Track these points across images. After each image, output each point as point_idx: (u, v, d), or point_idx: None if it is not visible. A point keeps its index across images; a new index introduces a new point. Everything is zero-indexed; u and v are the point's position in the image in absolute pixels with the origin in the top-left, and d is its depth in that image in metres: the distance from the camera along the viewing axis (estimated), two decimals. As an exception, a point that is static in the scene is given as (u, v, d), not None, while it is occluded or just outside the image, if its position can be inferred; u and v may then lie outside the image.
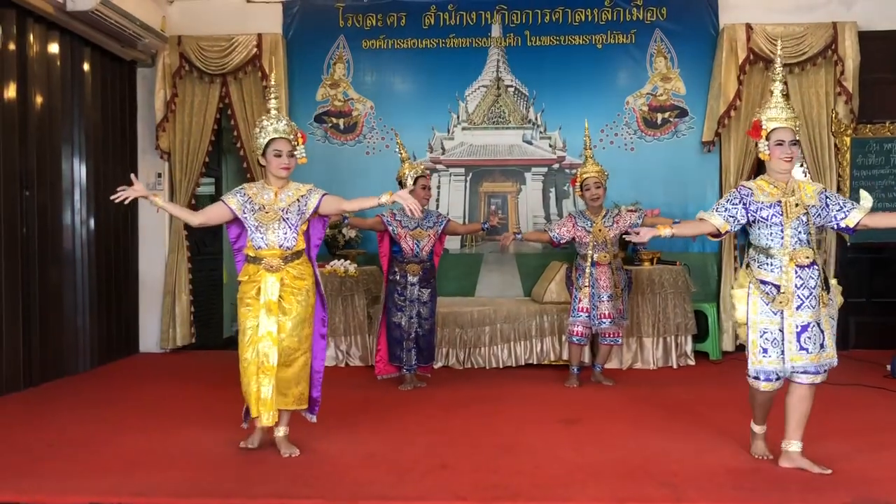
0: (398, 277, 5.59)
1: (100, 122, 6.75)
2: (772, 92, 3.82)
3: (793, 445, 3.70)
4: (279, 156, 3.96)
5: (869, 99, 7.00)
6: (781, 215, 3.62)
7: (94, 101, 6.66)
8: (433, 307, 5.71)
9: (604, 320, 5.65)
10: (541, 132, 7.41)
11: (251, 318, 3.94)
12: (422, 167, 5.70)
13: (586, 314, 5.65)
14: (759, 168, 7.04)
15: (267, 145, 3.97)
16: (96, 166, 6.66)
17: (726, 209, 3.72)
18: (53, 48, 6.13)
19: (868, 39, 6.92)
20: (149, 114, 7.32)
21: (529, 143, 7.42)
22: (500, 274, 7.38)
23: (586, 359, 6.05)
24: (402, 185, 5.47)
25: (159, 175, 7.40)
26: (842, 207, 3.68)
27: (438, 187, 7.41)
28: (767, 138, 3.69)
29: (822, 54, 6.87)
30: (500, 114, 7.43)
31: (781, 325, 3.60)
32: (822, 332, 3.63)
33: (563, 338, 6.29)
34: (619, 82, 7.36)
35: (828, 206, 3.68)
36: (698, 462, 3.82)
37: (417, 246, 5.58)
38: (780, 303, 3.58)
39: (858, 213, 3.65)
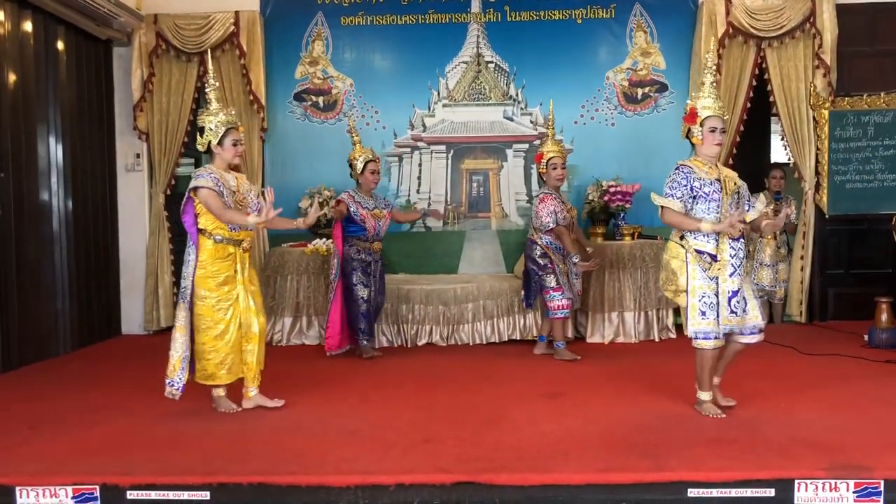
0: (364, 256, 5.85)
1: (76, 102, 6.66)
2: (703, 83, 4.22)
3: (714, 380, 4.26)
4: (236, 144, 4.32)
5: (847, 72, 7.04)
6: (721, 191, 4.03)
7: (69, 81, 6.56)
8: (385, 282, 6.19)
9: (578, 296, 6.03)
10: (521, 108, 7.40)
11: (229, 294, 4.29)
12: (371, 152, 5.92)
13: (563, 291, 5.78)
14: (739, 143, 7.09)
15: (224, 135, 4.28)
16: (73, 147, 6.58)
17: (679, 191, 4.05)
18: (27, 26, 6.02)
19: (846, 13, 6.94)
20: (126, 94, 7.23)
21: (510, 119, 7.41)
22: (482, 251, 7.40)
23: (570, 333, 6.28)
24: (352, 167, 5.89)
25: (138, 156, 7.32)
26: (748, 202, 4.16)
27: (420, 165, 7.39)
28: (701, 125, 4.10)
29: (800, 27, 6.89)
30: (480, 90, 7.41)
31: (717, 290, 4.03)
32: (745, 298, 4.10)
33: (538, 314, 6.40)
34: (599, 57, 7.35)
35: (740, 196, 4.13)
36: (679, 433, 3.86)
37: (379, 225, 5.87)
38: (718, 270, 4.01)
39: (754, 213, 4.14)
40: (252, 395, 4.44)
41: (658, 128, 7.27)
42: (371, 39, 7.39)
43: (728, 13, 6.90)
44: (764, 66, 7.00)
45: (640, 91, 7.32)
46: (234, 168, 4.48)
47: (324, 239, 6.66)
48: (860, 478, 3.24)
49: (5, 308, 5.68)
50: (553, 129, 5.99)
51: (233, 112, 4.45)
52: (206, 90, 4.42)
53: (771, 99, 7.06)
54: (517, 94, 7.39)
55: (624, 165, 7.17)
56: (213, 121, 4.30)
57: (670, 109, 7.26)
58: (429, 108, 7.41)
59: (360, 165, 5.81)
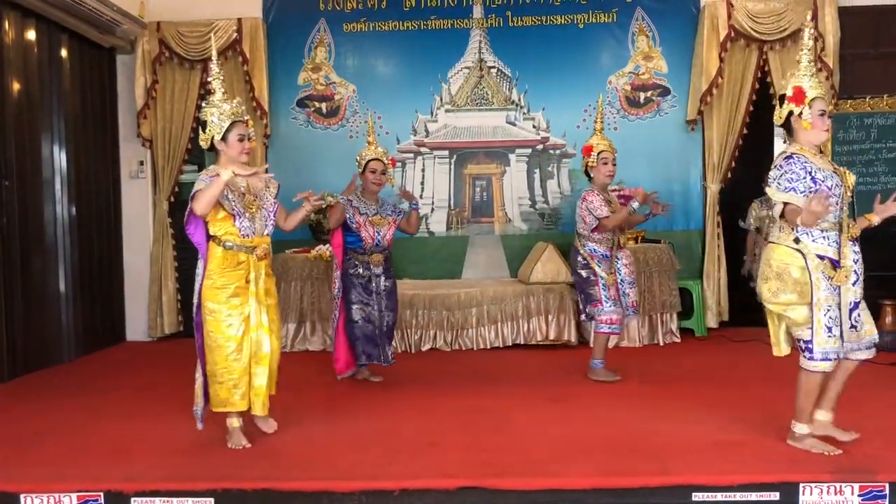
0: (361, 271, 5.18)
1: (79, 109, 6.68)
2: (799, 61, 3.64)
3: (825, 415, 3.69)
4: (243, 140, 3.80)
5: (849, 74, 7.03)
6: (842, 186, 3.46)
7: (73, 89, 6.59)
8: (397, 296, 5.41)
9: (631, 309, 5.34)
10: (524, 113, 7.40)
11: (240, 308, 3.79)
12: (379, 151, 5.24)
13: (612, 303, 5.18)
14: (743, 146, 7.07)
15: (228, 129, 3.77)
16: (77, 154, 6.60)
17: (800, 184, 3.41)
18: (30, 35, 6.05)
19: (848, 15, 6.94)
20: (129, 101, 7.25)
21: (513, 124, 7.41)
22: (486, 256, 7.40)
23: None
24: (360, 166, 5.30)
25: (141, 163, 7.34)
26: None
27: (423, 170, 7.40)
28: (810, 106, 3.51)
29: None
30: (483, 95, 7.41)
31: (838, 301, 3.46)
32: (860, 309, 3.58)
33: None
34: (601, 62, 7.35)
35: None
36: (685, 436, 3.86)
37: (378, 234, 5.15)
38: (840, 279, 3.43)
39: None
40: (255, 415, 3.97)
41: (660, 132, 7.27)
42: (373, 45, 7.40)
43: (730, 17, 6.89)
44: (766, 69, 7.00)
45: (642, 95, 7.32)
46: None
47: (327, 245, 6.66)
48: (865, 481, 3.22)
49: (10, 316, 5.68)
50: (602, 122, 5.49)
51: (240, 103, 3.90)
52: (209, 80, 3.90)
53: (774, 103, 7.01)
54: (520, 99, 7.39)
55: (627, 170, 7.11)
56: (216, 113, 3.76)
57: (672, 113, 7.26)
58: (431, 114, 7.42)
59: (362, 163, 5.22)
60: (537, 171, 7.41)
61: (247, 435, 3.89)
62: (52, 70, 6.35)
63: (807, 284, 3.42)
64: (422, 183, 7.40)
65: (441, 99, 7.42)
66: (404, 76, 7.42)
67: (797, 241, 3.46)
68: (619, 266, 5.27)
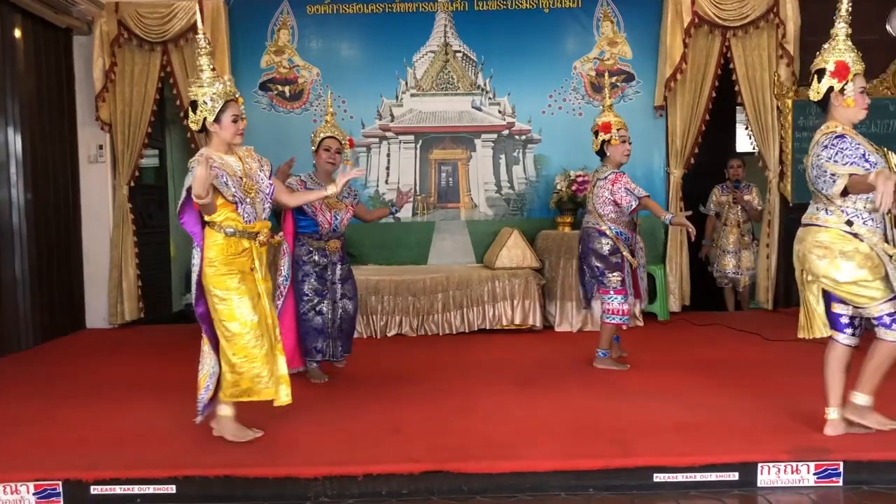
0: (317, 258, 4.76)
1: (35, 92, 6.52)
2: (836, 35, 3.53)
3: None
4: (236, 120, 3.57)
5: (810, 62, 7.02)
6: (886, 167, 3.28)
7: (28, 71, 6.42)
8: (355, 285, 5.02)
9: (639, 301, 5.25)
10: (490, 98, 7.39)
11: (252, 296, 3.57)
12: (333, 129, 4.80)
13: (626, 294, 5.02)
14: (704, 132, 7.14)
15: (222, 109, 3.54)
16: (33, 138, 6.44)
17: (859, 163, 3.28)
18: (-18, 15, 5.89)
19: (809, 3, 7.01)
20: (87, 83, 7.10)
21: (479, 109, 7.40)
22: (452, 241, 7.39)
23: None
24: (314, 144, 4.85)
25: (100, 147, 7.20)
26: None
27: (388, 155, 7.36)
28: (853, 82, 3.40)
29: (764, 17, 6.96)
30: (448, 80, 7.39)
31: None
32: None
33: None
34: (566, 47, 7.36)
35: None
36: (647, 419, 3.90)
37: (336, 219, 4.77)
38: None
39: None
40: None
41: (625, 117, 7.19)
42: (337, 28, 7.33)
43: (693, 3, 6.94)
44: (729, 55, 7.06)
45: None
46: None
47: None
48: (821, 459, 3.29)
49: (-36, 303, 5.56)
50: (611, 98, 5.30)
51: (231, 81, 3.69)
52: (198, 53, 3.64)
53: (736, 88, 7.12)
54: (485, 84, 7.38)
55: (592, 155, 7.12)
56: (209, 93, 3.52)
57: (637, 99, 7.30)
58: (396, 98, 7.38)
59: (316, 141, 4.76)
60: (503, 156, 7.42)
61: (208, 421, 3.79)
62: (6, 51, 6.18)
63: (876, 258, 3.33)
64: (387, 168, 7.36)
65: (406, 83, 7.38)
66: (369, 60, 7.36)
67: (850, 223, 3.37)
68: (637, 249, 5.14)
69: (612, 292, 4.99)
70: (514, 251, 6.59)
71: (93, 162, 7.21)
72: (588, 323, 6.51)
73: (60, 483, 3.27)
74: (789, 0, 6.95)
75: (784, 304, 7.29)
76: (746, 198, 7.02)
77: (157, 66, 7.04)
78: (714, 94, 7.10)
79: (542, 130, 7.34)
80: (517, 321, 6.46)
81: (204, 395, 3.68)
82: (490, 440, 3.63)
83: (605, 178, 4.96)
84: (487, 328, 6.50)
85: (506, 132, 7.39)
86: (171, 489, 3.27)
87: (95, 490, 3.27)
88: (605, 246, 4.98)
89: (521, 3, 7.30)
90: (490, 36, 7.31)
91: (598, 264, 5.01)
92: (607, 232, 4.96)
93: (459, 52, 7.37)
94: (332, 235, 4.80)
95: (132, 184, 7.15)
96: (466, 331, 6.49)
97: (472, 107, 7.40)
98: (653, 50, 7.22)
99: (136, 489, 3.28)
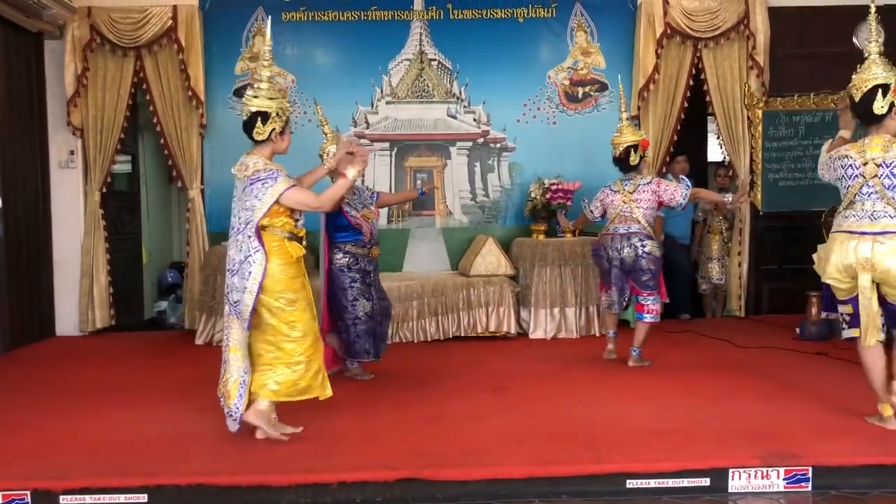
0: (364, 265, 5.00)
1: (5, 96, 6.44)
2: (869, 55, 3.81)
3: None
4: (289, 133, 3.88)
5: (779, 73, 7.25)
6: None
7: (-3, 75, 6.35)
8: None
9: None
10: (465, 106, 7.42)
11: (310, 298, 3.84)
12: (336, 140, 5.05)
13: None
14: (678, 141, 7.23)
15: (286, 121, 3.82)
16: (2, 143, 6.36)
17: None
18: (-49, 18, 5.81)
19: (778, 15, 7.15)
20: (59, 88, 7.02)
21: (454, 117, 7.42)
22: (427, 249, 7.40)
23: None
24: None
25: (72, 152, 7.12)
26: None
27: (363, 162, 7.35)
28: None
29: (735, 29, 7.07)
30: (424, 88, 7.40)
31: None
32: None
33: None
34: (540, 56, 7.41)
35: None
36: (620, 425, 3.93)
37: (374, 227, 5.09)
38: None
39: None
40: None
41: (598, 127, 7.34)
42: (313, 35, 7.32)
43: (666, 14, 7.03)
44: (700, 66, 7.16)
45: (580, 90, 7.41)
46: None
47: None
48: (790, 465, 3.34)
49: (-69, 310, 5.46)
50: (625, 114, 5.56)
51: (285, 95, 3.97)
52: (262, 63, 3.81)
53: (707, 99, 7.22)
54: (460, 92, 7.41)
55: (566, 164, 7.24)
56: (278, 107, 3.74)
57: (610, 108, 7.35)
58: (372, 106, 7.38)
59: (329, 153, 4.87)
60: (478, 164, 7.44)
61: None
62: (-24, 55, 6.11)
63: None
64: (362, 175, 7.34)
65: (382, 91, 7.38)
66: (344, 67, 7.35)
67: None
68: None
69: (656, 293, 5.29)
70: (488, 258, 6.61)
71: (64, 167, 7.13)
72: (562, 329, 6.55)
73: (28, 493, 3.22)
74: (759, 12, 7.07)
75: (755, 312, 7.39)
76: (730, 207, 7.02)
77: (131, 72, 6.98)
78: (686, 104, 7.19)
79: (517, 139, 7.38)
80: (492, 328, 6.48)
81: (238, 402, 3.72)
82: (465, 447, 3.63)
83: (650, 181, 5.32)
84: (462, 335, 6.51)
85: (481, 140, 7.42)
86: (143, 498, 3.23)
87: (65, 500, 3.22)
88: (658, 249, 5.29)
89: (496, 13, 7.34)
90: (465, 44, 7.34)
91: (653, 267, 5.24)
92: (653, 235, 5.27)
93: (435, 60, 7.39)
94: (373, 243, 5.09)
95: (104, 190, 7.08)
96: (441, 338, 6.49)
97: (448, 115, 7.42)
98: (626, 60, 7.29)
99: (106, 499, 3.23)
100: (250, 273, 3.63)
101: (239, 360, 3.72)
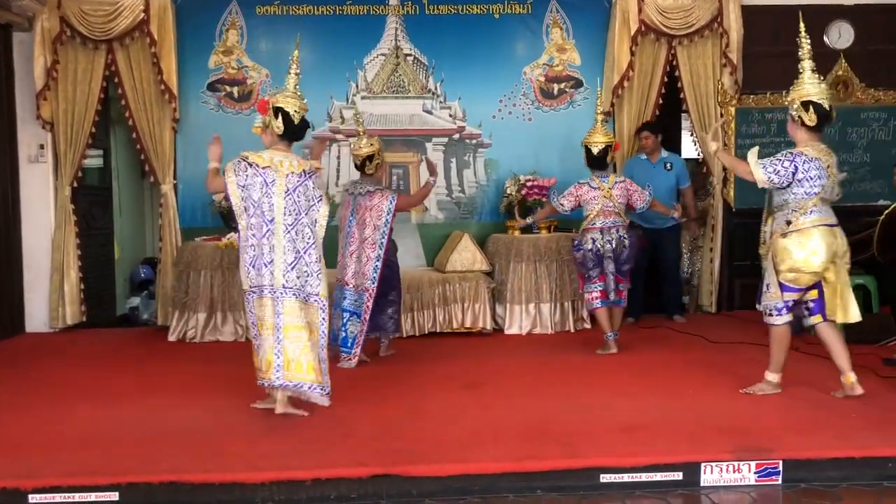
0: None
1: (-28, 89, 6.33)
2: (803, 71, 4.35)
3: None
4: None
5: (752, 70, 7.31)
6: None
7: (-36, 67, 6.23)
8: None
9: None
10: (441, 102, 7.41)
11: None
12: (377, 141, 5.61)
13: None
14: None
15: None
16: (-30, 137, 6.25)
17: None
18: (-84, 9, 5.69)
19: (751, 13, 7.21)
20: (28, 81, 6.90)
21: (430, 112, 7.40)
22: (402, 245, 7.31)
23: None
24: (356, 166, 5.59)
25: (42, 146, 7.00)
26: None
27: (338, 157, 7.32)
28: None
29: (708, 27, 7.12)
30: (399, 83, 7.38)
31: None
32: None
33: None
34: (516, 52, 7.42)
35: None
36: (593, 420, 3.96)
37: None
38: None
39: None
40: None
41: (573, 123, 7.37)
42: (287, 30, 7.24)
43: (640, 11, 7.06)
44: (675, 63, 7.21)
45: (556, 87, 7.43)
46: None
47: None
48: (761, 459, 3.38)
49: None
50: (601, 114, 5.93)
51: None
52: (290, 73, 4.49)
53: (681, 95, 7.27)
54: (436, 88, 7.39)
55: (541, 160, 7.26)
56: (297, 105, 4.35)
57: (585, 105, 7.37)
58: (347, 100, 7.34)
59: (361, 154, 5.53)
60: (454, 160, 7.44)
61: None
62: (-58, 46, 5.99)
63: None
64: (337, 170, 7.32)
65: (357, 86, 7.35)
66: (319, 62, 7.29)
67: None
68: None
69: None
70: (464, 254, 6.62)
71: (33, 162, 7.02)
72: (537, 325, 6.57)
73: (-3, 492, 3.18)
74: (733, 10, 7.13)
75: (727, 307, 7.46)
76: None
77: (102, 65, 6.88)
78: (660, 101, 7.23)
79: (493, 135, 7.38)
80: (467, 324, 6.48)
81: (328, 382, 4.14)
82: (439, 443, 3.64)
83: (623, 181, 5.81)
84: (438, 331, 6.50)
85: (456, 136, 7.42)
86: (114, 496, 3.21)
87: (34, 499, 3.19)
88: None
89: (472, 9, 7.33)
90: (441, 40, 7.32)
91: (632, 255, 5.75)
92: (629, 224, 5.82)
93: (410, 55, 7.37)
94: None
95: (75, 184, 6.97)
96: (417, 334, 6.48)
97: (423, 110, 7.40)
98: (601, 57, 7.32)
99: (76, 497, 3.20)
100: (313, 264, 4.22)
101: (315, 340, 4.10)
